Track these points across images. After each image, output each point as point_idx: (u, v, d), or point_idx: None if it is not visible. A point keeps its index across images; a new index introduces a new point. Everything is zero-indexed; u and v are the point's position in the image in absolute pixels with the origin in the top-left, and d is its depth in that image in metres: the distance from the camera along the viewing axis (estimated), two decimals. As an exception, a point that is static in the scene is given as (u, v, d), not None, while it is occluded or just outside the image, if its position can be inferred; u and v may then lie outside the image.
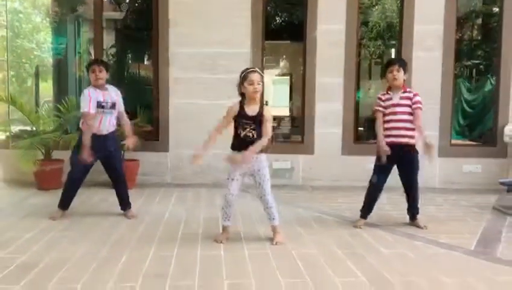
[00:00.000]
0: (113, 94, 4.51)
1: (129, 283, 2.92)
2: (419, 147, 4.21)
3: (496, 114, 6.41)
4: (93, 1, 6.41)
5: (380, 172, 4.23)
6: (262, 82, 3.68)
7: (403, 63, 4.27)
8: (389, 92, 4.25)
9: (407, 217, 4.45)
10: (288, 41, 10.87)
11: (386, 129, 4.22)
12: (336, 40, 6.16)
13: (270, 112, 3.75)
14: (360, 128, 7.70)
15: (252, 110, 3.67)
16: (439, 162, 6.26)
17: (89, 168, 4.45)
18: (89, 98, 4.30)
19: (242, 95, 3.72)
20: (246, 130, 3.66)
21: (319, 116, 6.24)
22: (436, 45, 6.13)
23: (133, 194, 5.48)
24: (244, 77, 3.64)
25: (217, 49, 6.13)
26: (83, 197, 5.09)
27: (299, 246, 3.71)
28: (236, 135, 3.72)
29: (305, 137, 6.33)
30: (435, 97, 6.18)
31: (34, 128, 5.95)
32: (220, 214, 3.95)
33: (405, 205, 4.45)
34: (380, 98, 4.30)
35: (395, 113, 4.17)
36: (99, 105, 4.37)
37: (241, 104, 3.70)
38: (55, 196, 5.36)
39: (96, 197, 5.34)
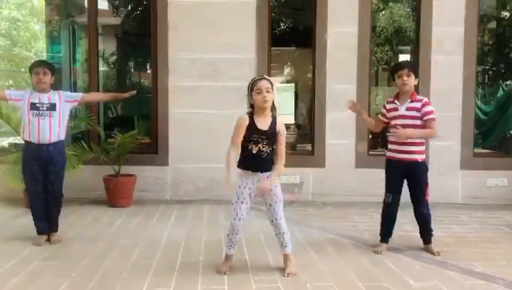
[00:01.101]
0: (54, 96, 4.02)
1: (116, 330, 2.47)
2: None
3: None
4: (88, 8, 6.05)
5: (392, 189, 3.80)
6: (273, 90, 3.21)
7: (413, 67, 3.83)
8: (395, 101, 3.78)
9: (432, 239, 3.94)
10: (294, 48, 10.54)
11: (390, 143, 3.82)
12: (347, 44, 5.73)
13: (283, 126, 3.32)
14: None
15: (263, 123, 3.22)
16: (461, 175, 5.79)
17: (40, 178, 3.98)
18: (17, 93, 4.05)
19: (252, 106, 3.28)
20: (258, 145, 3.22)
21: (330, 126, 5.79)
22: (457, 48, 5.68)
23: (129, 213, 5.11)
24: (251, 86, 3.24)
25: (219, 55, 5.72)
26: (73, 217, 4.65)
27: (313, 277, 3.24)
28: (247, 152, 3.23)
29: (316, 148, 5.87)
30: (456, 104, 5.72)
31: (23, 141, 5.52)
32: (223, 241, 3.47)
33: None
34: (384, 107, 3.90)
35: (400, 125, 3.68)
36: (34, 107, 3.92)
37: (251, 117, 3.24)
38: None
39: (88, 217, 4.90)
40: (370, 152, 5.94)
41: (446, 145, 5.73)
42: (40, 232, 4.05)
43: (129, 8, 8.42)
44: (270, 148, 3.25)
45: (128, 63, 9.22)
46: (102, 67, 7.66)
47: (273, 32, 7.01)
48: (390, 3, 11.31)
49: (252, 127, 3.20)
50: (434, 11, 5.69)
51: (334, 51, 5.76)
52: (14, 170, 5.12)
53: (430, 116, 3.63)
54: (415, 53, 6.05)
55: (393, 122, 3.76)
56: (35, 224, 4.06)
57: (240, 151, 3.25)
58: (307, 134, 6.27)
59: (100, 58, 6.77)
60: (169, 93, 5.79)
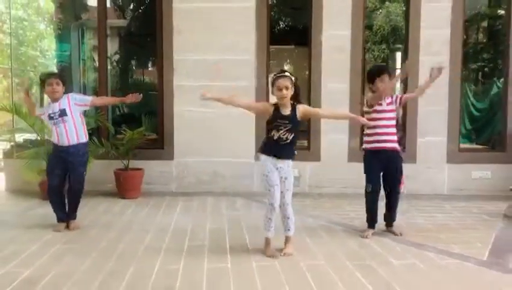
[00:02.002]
0: (64, 101, 4.34)
1: (135, 299, 2.87)
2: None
3: (505, 118, 6.32)
4: (97, 9, 6.39)
5: (371, 179, 4.21)
6: (292, 84, 3.55)
7: (391, 71, 4.27)
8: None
9: (415, 225, 4.42)
10: (292, 46, 10.81)
11: (370, 135, 4.23)
12: (341, 45, 6.10)
13: (305, 106, 3.72)
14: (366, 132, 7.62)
15: (285, 110, 3.61)
16: (447, 168, 6.19)
17: (62, 176, 4.40)
18: (42, 109, 4.55)
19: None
20: (280, 131, 3.57)
21: (325, 123, 6.16)
22: (443, 49, 6.05)
23: (138, 204, 5.49)
24: (273, 83, 3.60)
25: (221, 56, 6.09)
26: (87, 208, 5.04)
27: (307, 257, 3.64)
28: (269, 138, 3.64)
29: (312, 144, 6.26)
30: (443, 101, 6.11)
31: (39, 138, 5.91)
32: (262, 224, 3.75)
33: (413, 213, 4.41)
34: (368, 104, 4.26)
35: (382, 119, 4.15)
36: (50, 117, 4.34)
37: (276, 106, 3.62)
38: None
39: (101, 208, 5.29)
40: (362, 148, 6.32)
41: (433, 140, 6.13)
42: (59, 220, 4.46)
43: (136, 10, 8.77)
44: (291, 136, 3.58)
45: (134, 62, 9.56)
46: (109, 67, 8.01)
47: (273, 30, 7.34)
48: (387, 3, 11.61)
49: (275, 113, 3.58)
50: (422, 15, 6.05)
51: (329, 51, 6.13)
52: (31, 165, 5.51)
53: (400, 95, 4.31)
54: (405, 53, 6.42)
55: (377, 115, 4.18)
56: (54, 213, 4.47)
57: (243, 104, 3.84)
58: (304, 130, 6.64)
59: (108, 59, 7.13)
60: (174, 92, 6.17)
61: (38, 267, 3.40)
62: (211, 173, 6.19)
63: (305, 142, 6.63)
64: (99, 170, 5.85)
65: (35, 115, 4.63)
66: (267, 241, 3.73)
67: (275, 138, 3.59)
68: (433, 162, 6.15)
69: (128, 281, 3.15)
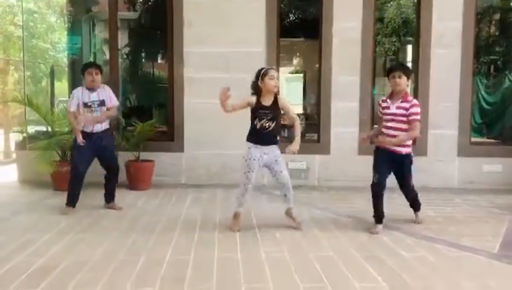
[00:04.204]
0: (103, 93, 4.72)
1: (147, 287, 2.91)
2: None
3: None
4: (108, 1, 6.41)
5: (377, 172, 4.17)
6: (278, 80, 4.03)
7: (405, 70, 4.16)
8: (388, 100, 4.17)
9: (425, 218, 4.48)
10: (302, 39, 10.75)
11: (382, 134, 4.23)
12: (352, 37, 6.08)
13: (285, 99, 4.07)
14: (375, 126, 7.60)
15: (267, 101, 3.96)
16: (458, 162, 6.16)
17: (89, 164, 4.70)
18: (73, 98, 4.68)
19: (257, 91, 3.96)
20: (262, 120, 3.92)
21: (335, 115, 6.17)
22: (455, 42, 6.00)
23: (148, 195, 5.54)
24: (264, 73, 3.92)
25: (231, 48, 6.09)
26: (98, 199, 5.10)
27: (316, 249, 3.66)
28: (253, 127, 3.99)
29: (321, 136, 6.26)
30: (454, 95, 6.07)
31: (50, 129, 5.98)
32: (235, 202, 4.18)
33: (423, 206, 4.42)
34: (379, 104, 4.31)
35: (390, 121, 4.13)
36: (86, 105, 4.63)
37: (258, 98, 3.96)
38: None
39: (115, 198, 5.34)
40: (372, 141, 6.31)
41: (444, 133, 6.10)
42: (71, 204, 4.71)
43: (146, 3, 8.78)
44: (273, 124, 3.93)
45: (145, 55, 9.60)
46: (120, 59, 8.04)
47: (283, 23, 7.32)
48: (398, -6, 11.48)
49: (258, 105, 3.94)
50: (434, 7, 6.00)
51: (339, 44, 6.10)
52: (43, 156, 5.57)
53: (414, 117, 4.04)
54: (416, 46, 6.38)
55: (385, 117, 4.17)
56: (69, 197, 4.69)
57: (231, 104, 3.91)
58: (314, 124, 6.64)
59: (118, 51, 7.16)
60: (184, 85, 6.19)
61: (52, 256, 3.47)
62: (219, 165, 6.22)
63: (314, 135, 6.64)
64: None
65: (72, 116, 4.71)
66: (237, 215, 4.14)
67: (258, 126, 3.95)
68: (443, 155, 6.13)
69: (139, 270, 3.20)
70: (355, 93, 6.13)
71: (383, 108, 4.22)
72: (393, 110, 4.11)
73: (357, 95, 6.13)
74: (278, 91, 4.04)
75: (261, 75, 3.93)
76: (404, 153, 4.14)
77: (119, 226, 4.26)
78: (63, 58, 10.63)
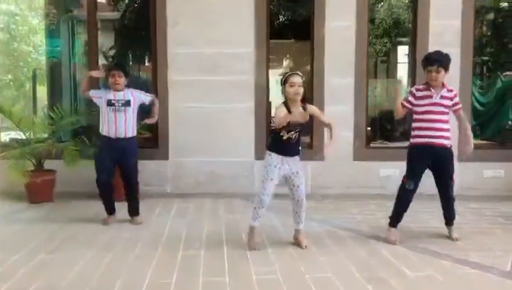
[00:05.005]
0: (129, 94, 4.50)
1: (121, 321, 2.55)
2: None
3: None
4: (87, 1, 6.04)
5: (414, 175, 3.86)
6: (303, 85, 3.59)
7: (443, 62, 3.80)
8: (430, 89, 3.81)
9: (428, 229, 4.17)
10: (293, 40, 10.53)
11: (418, 129, 3.87)
12: (345, 38, 5.77)
13: (314, 107, 3.78)
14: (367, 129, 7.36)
15: (298, 116, 3.57)
16: (458, 167, 5.85)
17: (112, 170, 4.49)
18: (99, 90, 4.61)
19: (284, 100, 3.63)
20: (290, 132, 3.59)
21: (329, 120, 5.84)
22: (454, 40, 5.73)
23: (130, 207, 5.15)
24: (285, 80, 3.60)
25: (218, 49, 5.75)
26: (75, 211, 4.72)
27: (313, 268, 3.33)
28: (278, 137, 3.62)
29: (315, 142, 5.94)
30: (453, 96, 5.79)
31: (26, 137, 5.58)
32: (251, 214, 3.78)
33: (425, 216, 4.12)
34: (412, 93, 3.88)
35: (432, 112, 3.79)
36: (110, 103, 4.40)
37: (288, 108, 3.55)
38: (47, 209, 5.06)
39: (91, 211, 4.92)
40: (371, 144, 6.01)
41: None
42: (107, 212, 4.55)
43: (129, 2, 8.43)
44: (298, 135, 3.63)
45: (127, 57, 9.24)
46: (101, 61, 7.68)
47: (272, 24, 7.06)
48: (390, -5, 11.32)
49: (290, 120, 3.52)
50: (431, 5, 5.73)
51: (332, 45, 5.80)
52: (16, 165, 5.16)
53: (460, 106, 3.88)
54: (412, 46, 6.10)
55: (424, 109, 3.82)
56: (104, 205, 4.55)
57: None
58: (306, 127, 6.31)
59: (99, 53, 6.79)
60: (168, 88, 5.84)
61: (19, 280, 3.12)
62: (208, 173, 5.86)
63: (306, 139, 6.33)
64: (90, 171, 5.50)
65: (86, 93, 4.55)
66: (252, 229, 3.75)
67: (285, 138, 3.60)
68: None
69: (115, 298, 2.83)
70: (349, 95, 5.82)
71: (420, 97, 3.82)
72: (437, 99, 3.79)
73: (351, 97, 5.82)
74: (304, 98, 3.64)
75: (282, 82, 3.64)
76: (449, 145, 3.86)
77: (96, 243, 3.88)
78: (44, 62, 10.22)
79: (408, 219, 4.23)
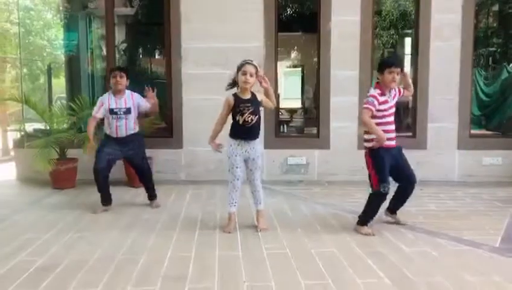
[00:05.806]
0: (129, 98, 4.70)
1: (149, 287, 2.89)
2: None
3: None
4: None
5: (385, 178, 3.79)
6: (256, 75, 3.79)
7: (402, 65, 3.97)
8: (385, 93, 3.83)
9: (426, 212, 4.39)
10: (300, 33, 10.70)
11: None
12: (350, 31, 6.03)
13: (261, 93, 3.96)
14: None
15: (246, 95, 3.84)
16: (458, 155, 6.14)
17: (109, 164, 4.66)
18: (100, 105, 4.67)
19: (234, 83, 3.88)
20: (244, 114, 3.78)
21: (334, 110, 6.13)
22: (454, 34, 5.96)
23: (148, 192, 5.50)
24: (239, 67, 3.80)
25: (229, 44, 6.04)
26: (97, 197, 5.05)
27: (318, 244, 3.65)
28: (235, 123, 3.87)
29: (321, 131, 6.23)
30: (454, 87, 6.04)
31: (48, 127, 5.94)
32: (227, 200, 4.08)
33: (424, 200, 4.35)
34: (375, 97, 3.78)
35: (390, 115, 3.85)
36: (112, 112, 4.62)
37: (235, 94, 3.86)
38: (70, 195, 5.42)
39: (113, 196, 5.28)
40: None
41: (444, 126, 6.08)
42: (103, 202, 4.74)
43: (143, -1, 8.71)
44: (255, 117, 3.82)
45: (142, 51, 9.52)
46: (117, 56, 7.98)
47: (280, 17, 7.27)
48: (396, -12, 11.42)
49: (237, 100, 3.82)
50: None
51: (338, 38, 6.06)
52: (41, 154, 5.51)
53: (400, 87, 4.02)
54: (415, 38, 6.33)
55: (382, 113, 3.81)
56: (100, 195, 4.73)
57: (222, 126, 3.95)
58: (313, 118, 6.58)
59: (115, 47, 7.09)
60: (182, 81, 6.15)
61: (53, 255, 3.45)
62: (217, 162, 6.17)
63: (313, 130, 6.61)
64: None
65: (95, 119, 4.71)
66: (230, 216, 4.02)
67: (240, 122, 3.82)
68: (443, 148, 6.11)
69: (141, 269, 3.18)
70: (354, 87, 6.08)
71: (382, 102, 3.79)
72: (392, 102, 3.86)
73: (356, 89, 6.08)
74: (255, 88, 3.83)
75: (237, 68, 3.82)
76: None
77: (118, 225, 4.23)
78: (61, 56, 10.53)
79: (407, 203, 4.47)
